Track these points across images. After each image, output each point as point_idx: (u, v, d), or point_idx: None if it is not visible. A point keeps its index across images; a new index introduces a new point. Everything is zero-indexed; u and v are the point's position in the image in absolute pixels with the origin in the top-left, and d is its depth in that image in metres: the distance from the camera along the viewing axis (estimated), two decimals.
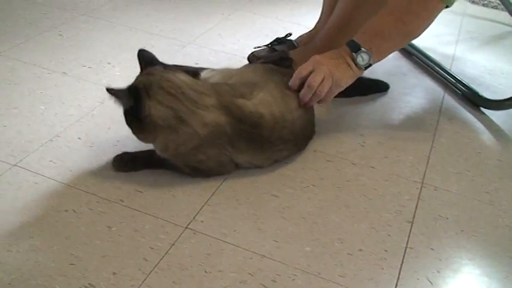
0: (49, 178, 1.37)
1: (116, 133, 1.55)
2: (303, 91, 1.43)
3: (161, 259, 1.16)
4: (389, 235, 1.27)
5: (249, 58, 1.94)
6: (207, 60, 1.99)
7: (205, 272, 1.14)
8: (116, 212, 1.27)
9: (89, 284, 1.10)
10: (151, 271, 1.13)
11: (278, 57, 1.77)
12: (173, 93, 1.30)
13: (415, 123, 1.75)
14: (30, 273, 1.12)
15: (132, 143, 1.45)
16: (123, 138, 1.53)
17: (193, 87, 1.33)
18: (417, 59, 2.11)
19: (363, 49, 1.42)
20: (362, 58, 1.43)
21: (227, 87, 1.39)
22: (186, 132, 1.30)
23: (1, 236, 1.20)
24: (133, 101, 1.30)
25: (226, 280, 1.13)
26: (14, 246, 1.18)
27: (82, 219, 1.25)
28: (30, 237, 1.20)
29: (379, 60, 1.47)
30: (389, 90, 1.88)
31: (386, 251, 1.23)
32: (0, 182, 1.34)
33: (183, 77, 1.35)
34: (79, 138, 1.52)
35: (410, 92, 1.90)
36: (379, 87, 1.88)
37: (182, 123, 1.29)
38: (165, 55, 1.90)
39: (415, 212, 1.35)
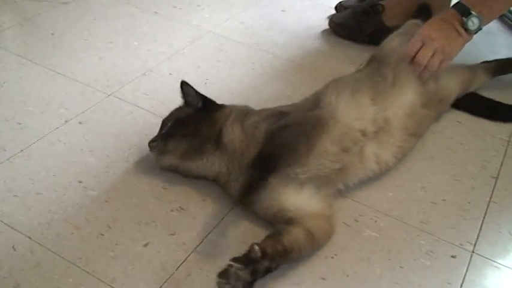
0: (142, 109, 1.43)
1: (205, 72, 1.59)
2: (413, 67, 1.37)
3: None
4: (473, 188, 1.27)
5: (336, 8, 1.93)
6: (293, 8, 1.99)
7: None
8: None
9: (180, 207, 1.16)
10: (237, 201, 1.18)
11: (368, 5, 1.75)
12: None
13: (504, 83, 1.71)
14: (126, 193, 1.18)
15: (219, 81, 1.51)
16: (211, 78, 1.57)
17: None
18: (506, 19, 2.04)
19: (473, 13, 1.35)
20: (472, 23, 1.36)
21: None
22: None
23: (98, 157, 1.27)
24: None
25: None
26: (111, 168, 1.25)
27: None
28: (125, 161, 1.26)
29: (488, 23, 1.41)
30: (477, 51, 1.82)
31: (469, 202, 1.23)
32: (97, 109, 1.41)
33: None
34: (170, 74, 1.57)
35: (499, 51, 1.85)
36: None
37: None
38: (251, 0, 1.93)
39: (500, 168, 1.34)
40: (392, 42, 1.46)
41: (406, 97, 1.31)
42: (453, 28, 1.37)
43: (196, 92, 1.25)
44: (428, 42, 1.36)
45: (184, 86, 1.26)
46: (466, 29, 1.37)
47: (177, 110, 1.27)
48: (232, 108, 1.25)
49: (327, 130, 1.16)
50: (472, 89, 1.53)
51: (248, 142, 1.14)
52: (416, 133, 1.31)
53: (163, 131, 1.21)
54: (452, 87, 1.45)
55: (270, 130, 1.13)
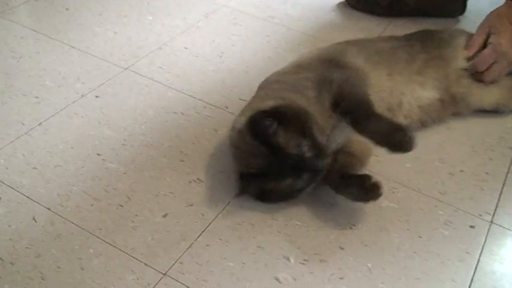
0: (158, 82, 1.43)
1: (220, 45, 1.59)
2: (477, 77, 1.33)
3: None
4: (491, 159, 1.26)
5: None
6: None
7: None
8: (222, 117, 1.32)
9: (198, 179, 1.16)
10: None
11: None
12: None
13: None
14: (143, 165, 1.19)
15: (234, 55, 1.50)
16: (226, 51, 1.56)
17: None
18: None
19: None
20: None
21: None
22: None
23: (115, 130, 1.27)
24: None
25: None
26: (128, 140, 1.25)
27: (190, 121, 1.31)
28: (142, 134, 1.27)
29: None
30: None
31: (487, 173, 1.22)
32: (113, 83, 1.42)
33: None
34: (185, 48, 1.57)
35: None
36: None
37: None
38: None
39: None
40: (459, 39, 1.38)
41: (426, 93, 1.28)
42: None
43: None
44: (500, 59, 1.31)
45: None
46: None
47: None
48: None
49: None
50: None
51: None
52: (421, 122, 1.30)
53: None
54: (477, 103, 1.37)
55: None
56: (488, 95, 1.35)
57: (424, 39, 1.37)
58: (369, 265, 1.01)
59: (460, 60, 1.33)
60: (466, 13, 1.75)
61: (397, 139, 1.04)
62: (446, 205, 1.14)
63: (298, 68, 1.24)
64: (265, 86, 1.21)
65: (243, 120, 1.07)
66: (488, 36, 1.33)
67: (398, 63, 1.28)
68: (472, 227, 1.10)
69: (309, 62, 1.26)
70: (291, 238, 1.05)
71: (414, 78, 1.28)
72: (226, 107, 1.36)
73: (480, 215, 1.12)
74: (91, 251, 1.01)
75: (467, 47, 1.35)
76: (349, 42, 1.35)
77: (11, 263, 0.98)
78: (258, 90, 1.23)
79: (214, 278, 0.98)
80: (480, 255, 1.04)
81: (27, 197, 1.11)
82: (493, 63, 1.32)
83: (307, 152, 1.02)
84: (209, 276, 0.98)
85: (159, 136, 1.26)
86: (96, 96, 1.37)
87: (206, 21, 1.70)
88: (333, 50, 1.31)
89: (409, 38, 1.39)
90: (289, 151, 1.01)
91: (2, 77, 1.42)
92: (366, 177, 1.06)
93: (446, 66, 1.32)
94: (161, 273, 0.98)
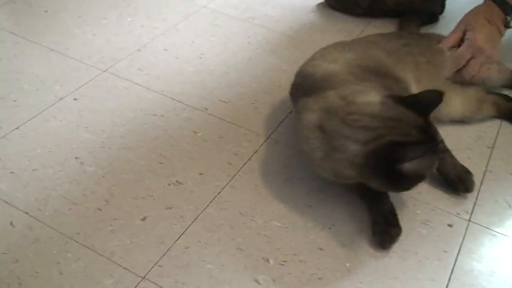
0: (137, 84, 1.42)
1: (199, 47, 1.59)
2: (458, 77, 1.33)
3: (244, 164, 1.21)
4: (469, 158, 1.27)
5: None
6: None
7: (286, 178, 1.18)
8: (201, 119, 1.32)
9: (177, 181, 1.16)
10: (235, 174, 1.18)
11: None
12: None
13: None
14: (122, 168, 1.18)
15: (214, 56, 1.50)
16: (206, 52, 1.56)
17: None
18: None
19: None
20: None
21: None
22: None
23: (94, 133, 1.27)
24: None
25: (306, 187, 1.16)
26: (106, 143, 1.25)
27: (169, 124, 1.30)
28: (121, 137, 1.26)
29: None
30: None
31: None
32: (92, 85, 1.41)
33: None
34: (165, 49, 1.57)
35: None
36: None
37: None
38: None
39: (496, 138, 1.34)
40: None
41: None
42: (497, 31, 1.34)
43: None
44: (477, 54, 1.32)
45: None
46: (507, 27, 1.35)
47: None
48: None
49: None
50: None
51: None
52: None
53: None
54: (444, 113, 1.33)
55: None
56: (453, 108, 1.33)
57: (417, 41, 1.37)
58: (348, 265, 1.02)
59: (444, 71, 1.34)
60: (445, 13, 1.76)
61: (466, 180, 1.17)
62: (424, 204, 1.15)
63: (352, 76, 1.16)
64: (353, 81, 1.11)
65: (374, 95, 1.01)
66: (464, 34, 1.35)
67: (409, 66, 1.27)
68: (450, 225, 1.11)
69: (354, 70, 1.17)
70: (270, 239, 1.05)
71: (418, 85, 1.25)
72: (206, 109, 1.35)
73: (458, 213, 1.13)
74: (69, 255, 1.01)
75: (442, 42, 1.36)
76: (362, 46, 1.30)
77: None
78: (332, 82, 1.11)
79: (193, 281, 0.98)
80: (458, 254, 1.05)
81: (5, 201, 1.10)
82: (470, 59, 1.33)
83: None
84: (188, 279, 0.98)
85: (138, 139, 1.25)
86: (75, 99, 1.36)
87: (186, 22, 1.70)
88: (368, 57, 1.24)
89: (398, 37, 1.37)
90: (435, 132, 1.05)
91: None
92: None
93: (436, 74, 1.32)
94: (140, 276, 0.97)
